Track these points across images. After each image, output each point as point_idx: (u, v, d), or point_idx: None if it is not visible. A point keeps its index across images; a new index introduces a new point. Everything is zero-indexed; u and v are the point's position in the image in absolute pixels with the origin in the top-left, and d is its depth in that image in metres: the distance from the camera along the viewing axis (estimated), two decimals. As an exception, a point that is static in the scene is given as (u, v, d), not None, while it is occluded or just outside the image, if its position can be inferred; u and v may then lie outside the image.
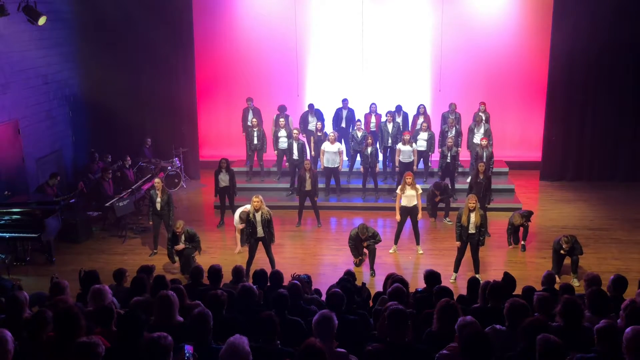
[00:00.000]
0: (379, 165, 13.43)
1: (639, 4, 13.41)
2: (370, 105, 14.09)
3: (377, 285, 9.11)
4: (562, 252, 9.47)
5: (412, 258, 10.64)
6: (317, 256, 10.85)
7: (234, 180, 12.09)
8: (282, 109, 14.04)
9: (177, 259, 10.02)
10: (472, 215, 9.29)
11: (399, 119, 13.73)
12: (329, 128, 14.12)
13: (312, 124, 13.79)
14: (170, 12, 14.15)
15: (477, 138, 12.96)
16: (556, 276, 8.64)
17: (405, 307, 4.77)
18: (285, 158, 13.51)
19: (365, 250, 10.13)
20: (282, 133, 13.49)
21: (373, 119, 14.02)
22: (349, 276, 7.47)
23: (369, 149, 12.68)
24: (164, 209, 10.61)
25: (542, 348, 3.95)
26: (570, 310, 4.87)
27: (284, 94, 15.00)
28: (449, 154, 12.50)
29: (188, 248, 9.86)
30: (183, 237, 9.83)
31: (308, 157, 13.28)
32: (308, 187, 11.77)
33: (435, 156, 13.57)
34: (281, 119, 13.52)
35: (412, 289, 7.11)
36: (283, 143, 13.42)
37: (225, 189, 12.00)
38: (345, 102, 14.12)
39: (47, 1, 12.22)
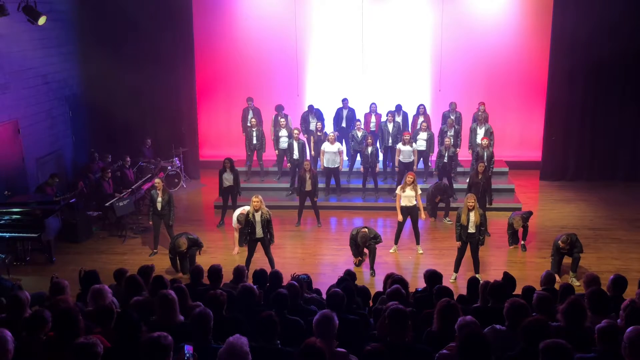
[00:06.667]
0: (379, 165, 13.43)
1: (639, 3, 13.41)
2: (370, 105, 14.09)
3: (377, 285, 9.11)
4: (562, 251, 9.47)
5: (412, 258, 10.64)
6: (317, 256, 10.85)
7: (239, 180, 12.08)
8: (279, 108, 14.05)
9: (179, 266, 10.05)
10: (472, 215, 9.28)
11: (398, 119, 13.74)
12: (329, 128, 14.13)
13: (313, 124, 13.79)
14: (170, 12, 14.15)
15: (479, 138, 12.96)
16: (556, 276, 8.66)
17: (405, 307, 4.76)
18: (285, 158, 13.52)
19: (366, 250, 10.14)
20: (283, 133, 13.50)
21: (373, 119, 14.04)
22: (349, 276, 7.47)
23: (369, 149, 12.68)
24: (164, 208, 10.60)
25: (548, 353, 3.92)
26: (576, 311, 4.86)
27: (284, 94, 15.00)
28: (446, 154, 12.50)
29: (192, 249, 9.89)
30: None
31: (308, 157, 13.29)
32: (308, 187, 11.77)
33: (435, 156, 13.57)
34: (281, 119, 13.53)
35: (412, 289, 7.11)
36: (283, 143, 13.43)
37: (229, 188, 11.99)
38: (345, 101, 14.12)
39: (47, 1, 12.22)
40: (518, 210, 11.62)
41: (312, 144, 13.62)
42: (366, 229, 9.98)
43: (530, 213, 10.99)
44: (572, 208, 12.95)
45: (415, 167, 12.81)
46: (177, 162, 14.31)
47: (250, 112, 14.18)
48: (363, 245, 9.95)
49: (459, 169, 13.74)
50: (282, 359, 4.46)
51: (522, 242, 10.81)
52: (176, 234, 10.23)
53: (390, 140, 13.34)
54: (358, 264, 10.23)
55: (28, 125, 12.24)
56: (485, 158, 12.01)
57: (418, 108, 13.90)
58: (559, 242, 9.36)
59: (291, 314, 5.49)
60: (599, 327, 4.37)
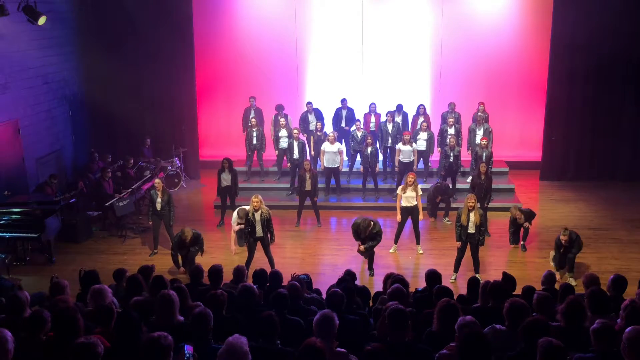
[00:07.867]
0: (379, 165, 13.43)
1: (639, 3, 13.41)
2: (370, 105, 14.09)
3: (377, 285, 9.10)
4: (562, 250, 9.48)
5: (412, 258, 10.64)
6: (317, 256, 10.85)
7: (236, 180, 12.07)
8: (279, 108, 14.05)
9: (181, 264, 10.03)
10: (472, 215, 9.29)
11: (398, 119, 13.74)
12: (328, 128, 14.13)
13: (313, 123, 13.79)
14: (170, 12, 14.14)
15: (478, 138, 12.96)
16: (557, 275, 8.66)
17: (405, 307, 4.76)
18: (285, 158, 13.52)
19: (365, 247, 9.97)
20: (283, 133, 13.50)
21: (373, 119, 14.03)
22: (349, 276, 7.47)
23: (369, 149, 12.68)
24: (164, 209, 10.60)
25: (543, 352, 3.93)
26: (575, 311, 4.86)
27: (284, 94, 15.00)
28: (451, 154, 12.49)
29: (192, 250, 9.87)
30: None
31: (308, 157, 13.29)
32: (308, 187, 11.77)
33: (435, 156, 13.57)
34: (281, 119, 13.53)
35: (412, 289, 7.11)
36: (283, 143, 13.43)
37: (227, 188, 11.99)
38: (344, 102, 14.13)
39: (47, 1, 12.22)
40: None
41: (312, 144, 13.62)
42: (372, 222, 9.75)
43: (532, 213, 10.87)
44: (572, 208, 12.95)
45: (415, 167, 12.81)
46: (177, 162, 14.31)
47: (252, 111, 14.18)
48: (364, 231, 9.62)
49: (460, 169, 13.71)
50: (282, 359, 4.46)
51: (522, 242, 10.81)
52: (176, 233, 10.22)
53: (389, 141, 13.34)
54: (362, 250, 9.90)
55: (28, 125, 12.24)
56: (484, 158, 12.01)
57: (418, 108, 13.90)
58: (561, 236, 9.43)
59: (291, 314, 5.49)
60: (593, 328, 4.37)
